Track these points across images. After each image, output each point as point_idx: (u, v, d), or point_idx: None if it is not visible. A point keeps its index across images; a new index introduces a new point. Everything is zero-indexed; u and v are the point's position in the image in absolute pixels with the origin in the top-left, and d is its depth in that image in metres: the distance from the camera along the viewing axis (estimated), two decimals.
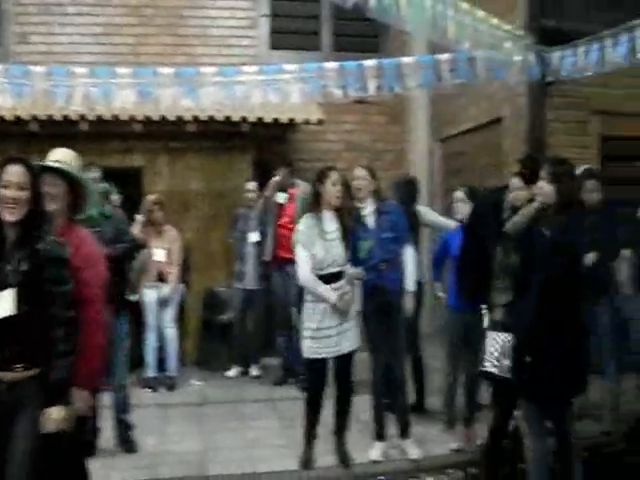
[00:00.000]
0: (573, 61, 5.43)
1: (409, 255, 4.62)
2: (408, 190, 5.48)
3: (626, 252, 4.67)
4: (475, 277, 4.20)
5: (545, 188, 3.59)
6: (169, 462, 4.54)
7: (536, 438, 3.60)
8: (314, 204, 4.32)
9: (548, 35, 5.84)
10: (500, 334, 3.89)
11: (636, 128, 6.09)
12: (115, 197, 6.05)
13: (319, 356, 4.24)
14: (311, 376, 4.43)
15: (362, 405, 4.70)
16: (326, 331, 4.20)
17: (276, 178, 6.51)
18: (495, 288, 3.97)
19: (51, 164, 3.14)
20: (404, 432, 4.60)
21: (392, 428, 4.65)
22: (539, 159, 4.99)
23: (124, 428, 4.74)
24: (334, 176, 4.30)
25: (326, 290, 4.17)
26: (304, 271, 4.21)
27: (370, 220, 4.53)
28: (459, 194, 4.77)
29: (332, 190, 4.27)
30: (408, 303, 4.59)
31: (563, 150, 5.87)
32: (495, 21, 5.42)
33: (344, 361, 4.35)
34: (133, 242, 4.89)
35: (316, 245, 4.19)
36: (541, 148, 5.91)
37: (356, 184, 4.52)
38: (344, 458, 4.41)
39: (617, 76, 5.78)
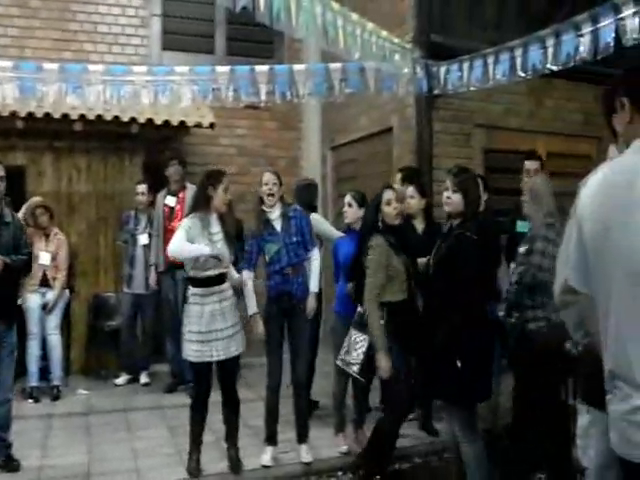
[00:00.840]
0: (458, 76, 5.66)
1: (315, 258, 4.67)
2: (308, 194, 5.54)
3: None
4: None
5: (453, 198, 3.73)
6: (51, 477, 4.34)
7: (473, 442, 3.68)
8: (203, 206, 4.31)
9: (435, 50, 6.08)
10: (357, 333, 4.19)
11: (515, 141, 6.45)
12: None
13: (209, 359, 4.24)
14: (197, 379, 4.42)
15: (252, 411, 4.71)
16: (215, 334, 4.21)
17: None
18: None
19: None
20: (301, 436, 4.63)
21: (286, 432, 4.69)
22: (419, 170, 5.24)
23: (3, 447, 4.43)
24: (226, 182, 4.35)
25: (197, 247, 4.17)
26: (174, 240, 4.22)
27: (278, 224, 4.57)
28: (347, 198, 4.91)
29: (223, 196, 4.32)
30: (310, 304, 4.60)
31: (448, 161, 6.13)
32: (384, 33, 5.56)
33: (230, 365, 4.36)
34: (30, 253, 4.64)
35: (201, 244, 4.20)
36: (428, 158, 6.12)
37: (267, 189, 4.54)
38: (235, 464, 4.40)
39: (499, 92, 6.11)
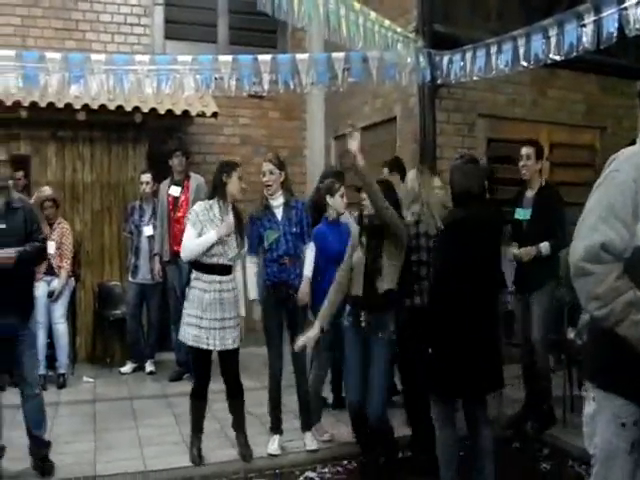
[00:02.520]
0: (461, 65, 5.65)
1: (310, 248, 4.64)
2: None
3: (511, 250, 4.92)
4: None
5: None
6: (58, 464, 4.34)
7: (441, 430, 3.68)
8: (220, 193, 4.34)
9: (438, 39, 6.08)
10: None
11: (518, 131, 6.46)
12: None
13: (205, 346, 4.26)
14: (195, 364, 4.47)
15: (257, 399, 4.75)
16: (212, 322, 4.25)
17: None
18: None
19: None
20: (306, 424, 4.67)
21: (291, 421, 4.73)
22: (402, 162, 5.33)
23: (38, 446, 4.27)
24: (239, 171, 4.40)
25: (207, 236, 4.23)
26: (184, 243, 4.29)
27: (279, 212, 4.57)
28: (343, 190, 4.97)
29: (237, 183, 4.36)
30: (303, 289, 4.54)
31: (451, 150, 6.15)
32: (387, 23, 5.56)
33: (230, 357, 4.38)
34: (44, 239, 4.46)
35: (209, 230, 4.25)
36: (431, 148, 6.14)
37: (265, 180, 4.56)
38: (245, 451, 4.44)
39: (502, 82, 6.11)
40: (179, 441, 4.75)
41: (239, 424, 4.52)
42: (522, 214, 4.98)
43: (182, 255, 4.38)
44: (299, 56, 5.69)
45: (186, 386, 5.74)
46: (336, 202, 4.87)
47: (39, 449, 4.29)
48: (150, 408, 5.60)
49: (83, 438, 4.89)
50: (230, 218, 4.30)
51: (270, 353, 4.59)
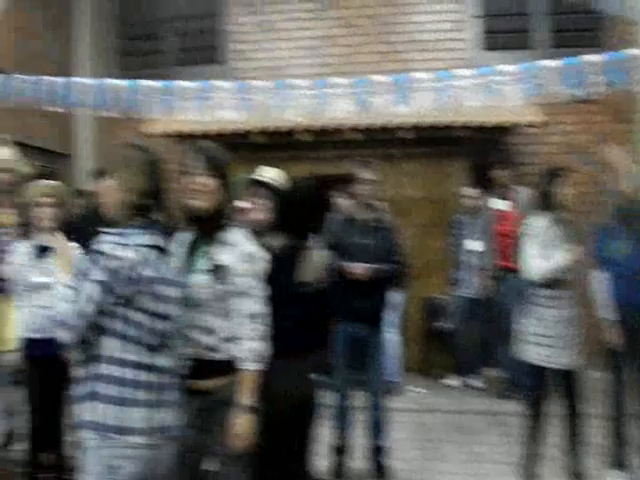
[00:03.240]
0: None
1: None
2: None
3: None
4: None
5: None
6: (392, 468, 4.56)
7: None
8: (548, 205, 4.17)
9: None
10: None
11: None
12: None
13: (549, 365, 4.12)
14: (534, 382, 4.31)
15: (596, 428, 4.44)
16: (554, 340, 4.09)
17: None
18: None
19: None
20: None
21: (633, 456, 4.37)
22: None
23: (378, 453, 4.56)
24: (566, 177, 4.17)
25: (562, 259, 4.00)
26: (533, 260, 4.09)
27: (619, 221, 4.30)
28: None
29: (567, 192, 4.15)
30: None
31: None
32: None
33: (569, 378, 4.18)
34: (400, 265, 4.56)
35: (548, 249, 4.06)
36: None
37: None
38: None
39: None
40: (508, 461, 4.64)
41: (571, 450, 4.26)
42: None
43: (532, 275, 4.16)
44: (632, 52, 5.27)
45: (515, 405, 5.66)
46: None
47: (378, 454, 4.56)
48: (478, 424, 5.61)
49: (415, 446, 5.10)
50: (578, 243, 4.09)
51: (613, 379, 4.29)
